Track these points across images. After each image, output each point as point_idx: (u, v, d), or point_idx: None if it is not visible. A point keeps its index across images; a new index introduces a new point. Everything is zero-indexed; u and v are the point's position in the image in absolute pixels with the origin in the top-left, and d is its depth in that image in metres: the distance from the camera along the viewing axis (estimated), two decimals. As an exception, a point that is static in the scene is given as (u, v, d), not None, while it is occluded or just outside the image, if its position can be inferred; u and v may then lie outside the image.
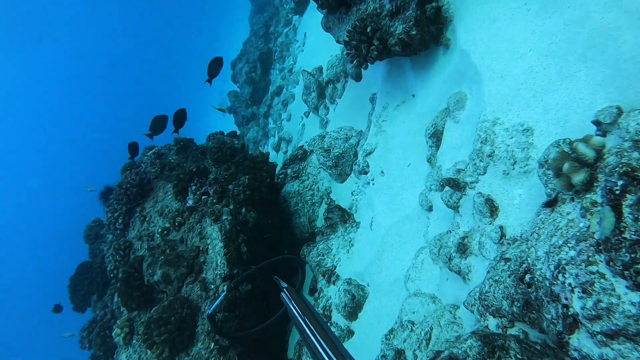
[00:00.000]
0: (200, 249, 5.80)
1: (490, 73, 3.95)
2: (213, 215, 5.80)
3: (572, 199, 2.31)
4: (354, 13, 5.44)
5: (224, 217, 5.79)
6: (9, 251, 45.18)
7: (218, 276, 5.45)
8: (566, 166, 2.24)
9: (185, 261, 5.69)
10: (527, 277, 2.39)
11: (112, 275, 7.87)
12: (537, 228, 2.53)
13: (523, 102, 3.51)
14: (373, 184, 5.55)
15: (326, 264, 5.76)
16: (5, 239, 44.84)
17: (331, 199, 6.61)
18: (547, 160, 2.73)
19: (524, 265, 2.46)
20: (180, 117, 6.32)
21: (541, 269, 2.24)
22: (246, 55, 16.24)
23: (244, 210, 6.13)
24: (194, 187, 6.19)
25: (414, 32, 4.56)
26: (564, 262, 2.07)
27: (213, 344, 5.12)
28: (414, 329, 4.07)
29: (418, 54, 5.13)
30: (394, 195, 5.19)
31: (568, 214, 2.27)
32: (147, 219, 7.05)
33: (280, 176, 7.30)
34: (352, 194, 6.18)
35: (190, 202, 6.21)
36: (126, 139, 7.45)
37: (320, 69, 9.34)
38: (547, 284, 2.15)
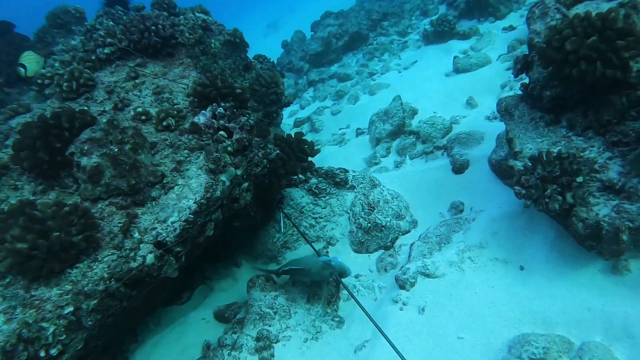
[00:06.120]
0: (165, 181, 3.99)
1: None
2: (214, 163, 4.03)
3: None
4: (561, 136, 3.90)
5: (222, 179, 4.04)
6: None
7: (154, 233, 3.66)
8: None
9: (136, 179, 3.85)
10: None
11: (42, 82, 5.70)
12: None
13: None
14: (401, 310, 4.02)
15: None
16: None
17: (328, 251, 5.06)
18: None
19: None
20: None
21: None
22: (343, 19, 14.36)
23: (245, 185, 4.42)
24: (221, 111, 4.37)
25: (624, 238, 3.20)
26: None
27: (72, 308, 3.33)
28: None
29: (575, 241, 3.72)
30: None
31: None
32: (136, 81, 5.06)
33: (300, 176, 5.65)
34: (357, 278, 4.65)
35: (201, 120, 4.36)
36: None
37: (414, 111, 7.82)
38: None
